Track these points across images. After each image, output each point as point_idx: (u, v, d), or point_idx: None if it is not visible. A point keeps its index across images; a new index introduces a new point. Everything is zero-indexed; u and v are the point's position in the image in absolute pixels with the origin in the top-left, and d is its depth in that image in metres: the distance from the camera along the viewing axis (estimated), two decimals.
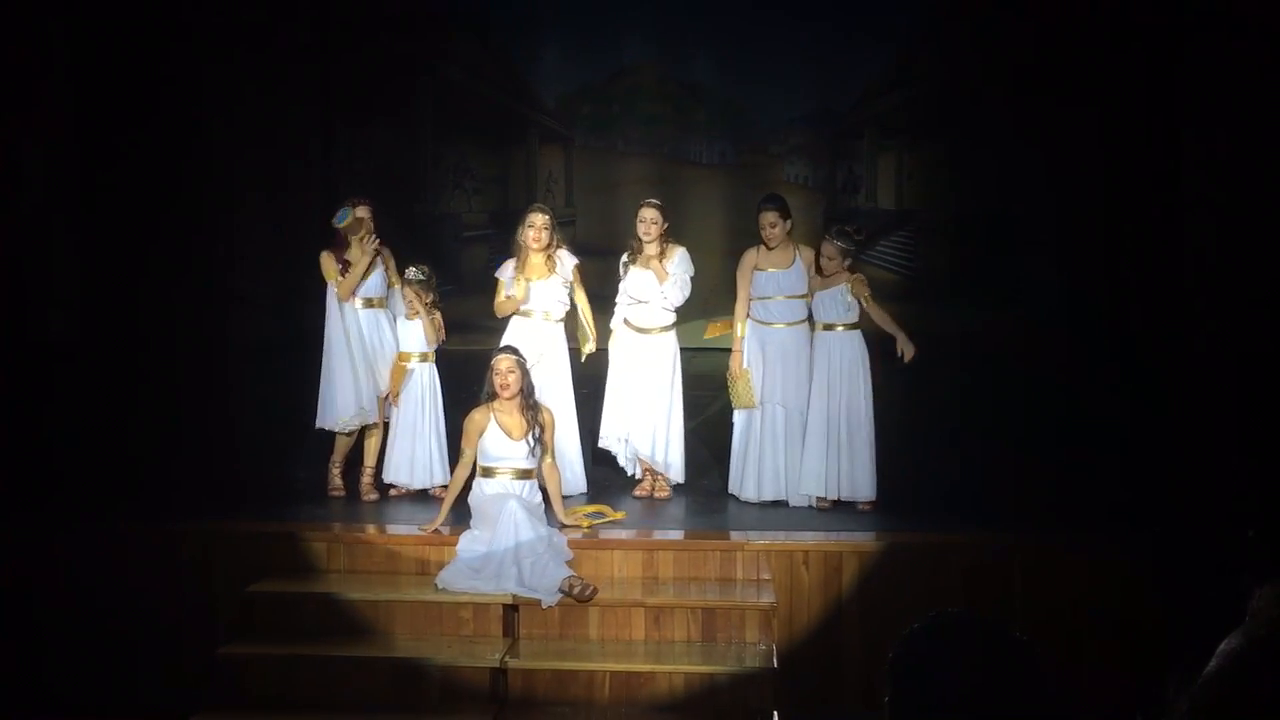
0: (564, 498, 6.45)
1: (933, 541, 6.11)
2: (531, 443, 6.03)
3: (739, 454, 6.83)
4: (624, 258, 6.93)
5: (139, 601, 6.08)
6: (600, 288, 7.18)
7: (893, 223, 9.01)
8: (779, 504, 6.71)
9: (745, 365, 6.76)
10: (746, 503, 6.73)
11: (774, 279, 6.72)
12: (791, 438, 6.71)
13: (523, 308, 6.86)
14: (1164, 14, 7.67)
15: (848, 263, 6.66)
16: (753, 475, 6.74)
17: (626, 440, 6.95)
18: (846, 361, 6.62)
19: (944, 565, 5.96)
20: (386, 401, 6.94)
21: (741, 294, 6.79)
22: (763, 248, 6.77)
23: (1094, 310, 8.03)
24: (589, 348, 6.96)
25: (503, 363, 6.08)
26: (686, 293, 6.82)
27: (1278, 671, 1.66)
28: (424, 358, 6.94)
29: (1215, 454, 6.83)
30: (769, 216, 6.69)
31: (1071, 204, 8.14)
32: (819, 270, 6.70)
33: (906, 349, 6.57)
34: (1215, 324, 7.29)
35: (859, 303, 6.61)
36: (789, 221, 6.75)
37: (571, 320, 6.96)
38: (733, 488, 6.86)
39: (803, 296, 6.74)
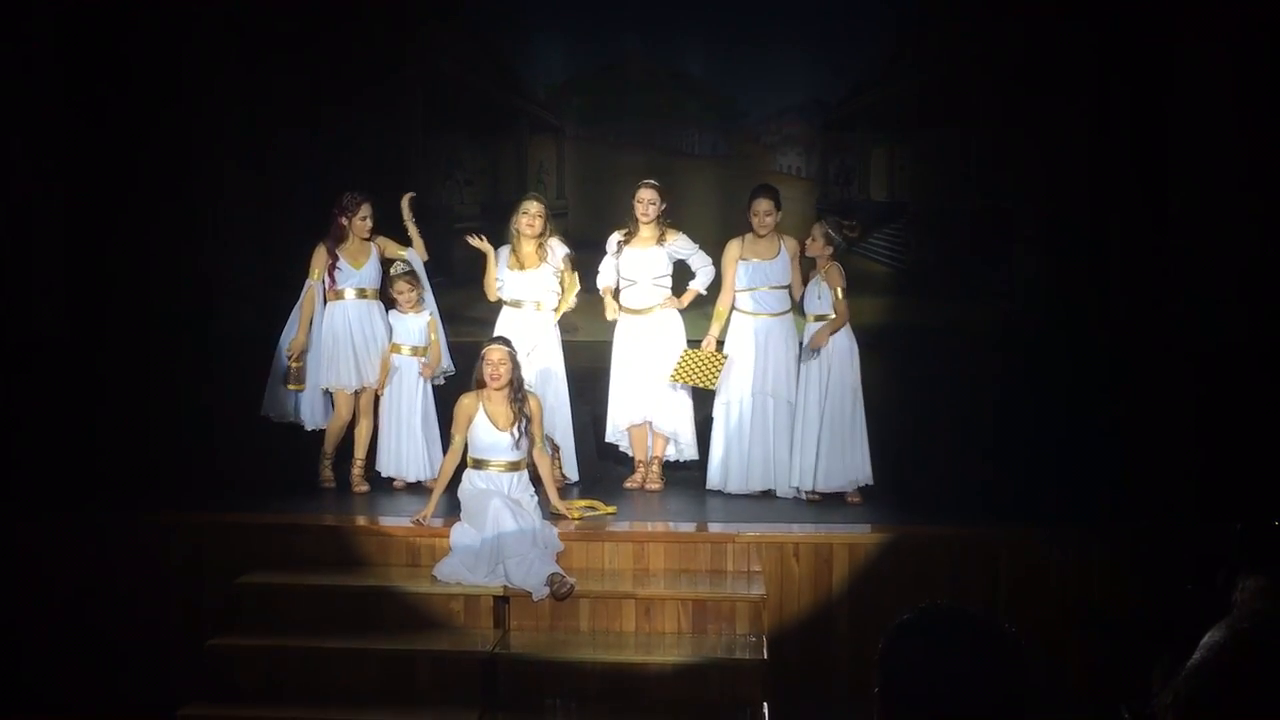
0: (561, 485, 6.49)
1: (922, 534, 6.13)
2: (517, 434, 6.02)
3: (724, 446, 6.81)
4: (618, 235, 6.95)
5: (126, 594, 6.08)
6: (592, 281, 7.17)
7: (884, 215, 9.00)
8: (765, 494, 6.72)
9: (727, 354, 6.77)
10: (731, 494, 6.73)
11: (760, 269, 6.73)
12: (779, 428, 6.72)
13: (513, 297, 6.88)
14: (1153, 8, 7.68)
15: (829, 250, 6.65)
16: (740, 466, 6.75)
17: (629, 430, 6.94)
18: (835, 354, 6.62)
19: (932, 557, 5.98)
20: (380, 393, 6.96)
21: (726, 284, 6.82)
22: (747, 238, 6.80)
23: (1082, 303, 8.04)
24: (567, 304, 6.92)
25: (494, 353, 6.07)
26: (711, 269, 6.88)
27: (1261, 663, 1.66)
28: (415, 351, 6.94)
29: (1202, 447, 6.85)
30: (764, 204, 6.72)
31: (1061, 197, 8.15)
32: (803, 255, 6.72)
33: (816, 337, 6.55)
34: (1203, 318, 7.30)
35: (832, 291, 6.60)
36: (780, 213, 6.77)
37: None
38: (714, 481, 6.83)
39: (787, 287, 6.76)
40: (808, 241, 6.70)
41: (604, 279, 7.01)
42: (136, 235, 7.96)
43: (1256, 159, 7.05)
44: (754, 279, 6.75)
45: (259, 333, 7.52)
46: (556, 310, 6.93)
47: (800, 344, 6.76)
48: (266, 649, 5.64)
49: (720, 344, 6.84)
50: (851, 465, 6.63)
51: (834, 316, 6.61)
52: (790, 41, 8.61)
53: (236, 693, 5.53)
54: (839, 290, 6.61)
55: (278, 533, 6.18)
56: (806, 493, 6.67)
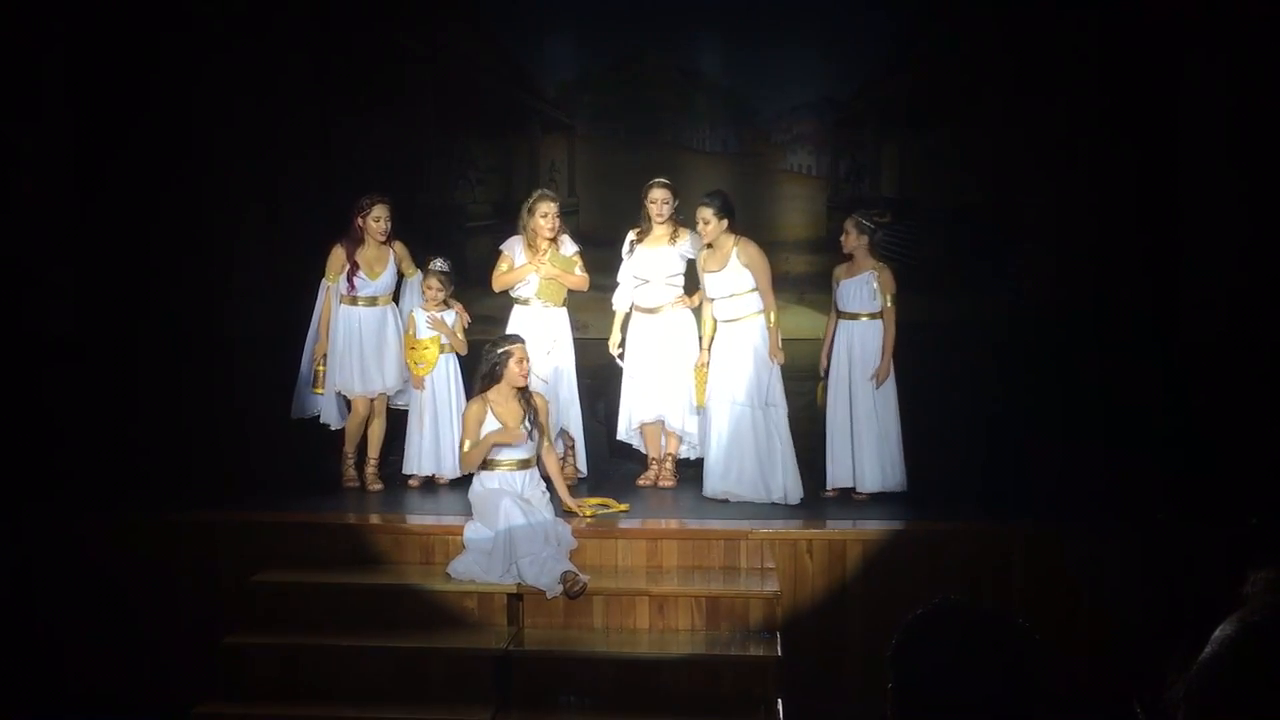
0: (570, 487, 6.50)
1: (934, 530, 6.13)
2: (529, 425, 6.04)
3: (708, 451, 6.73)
4: (630, 236, 6.93)
5: (143, 592, 6.11)
6: (602, 277, 7.17)
7: (895, 211, 9.00)
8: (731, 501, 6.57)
9: (706, 363, 6.72)
10: (712, 499, 6.61)
11: (712, 280, 6.66)
12: (741, 436, 6.57)
13: (524, 295, 6.89)
14: (1160, 3, 7.67)
15: (864, 240, 6.61)
16: (714, 472, 6.67)
17: (639, 428, 6.94)
18: (870, 351, 6.59)
19: (945, 553, 5.98)
20: (403, 391, 6.97)
21: (703, 294, 6.78)
22: (709, 248, 6.70)
23: (1093, 299, 8.03)
24: (543, 267, 6.81)
25: (519, 350, 6.10)
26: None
27: (1273, 656, 1.66)
28: (444, 348, 6.94)
29: (1214, 441, 6.83)
30: (703, 213, 6.57)
31: (1071, 193, 8.14)
32: (843, 254, 6.68)
33: (880, 373, 6.55)
34: (1211, 311, 7.29)
35: (883, 295, 6.57)
36: (725, 221, 6.56)
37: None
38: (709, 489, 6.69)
39: (749, 292, 6.60)
40: (842, 238, 6.67)
41: (620, 301, 6.97)
42: (150, 235, 7.99)
43: (1267, 152, 7.03)
44: (710, 290, 6.69)
45: (272, 333, 7.55)
46: (538, 266, 6.79)
47: (832, 341, 6.70)
48: (281, 647, 5.67)
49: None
50: (886, 466, 6.61)
51: (884, 322, 6.56)
52: (801, 39, 8.62)
53: (252, 690, 5.56)
54: (889, 296, 6.58)
55: (292, 531, 6.21)
56: (826, 489, 6.66)
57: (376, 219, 6.79)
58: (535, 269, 6.80)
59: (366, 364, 6.84)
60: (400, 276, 6.98)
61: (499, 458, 6.06)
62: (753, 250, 6.64)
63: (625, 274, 6.94)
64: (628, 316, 6.99)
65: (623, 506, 6.42)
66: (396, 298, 7.02)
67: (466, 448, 6.11)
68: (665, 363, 6.86)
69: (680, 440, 6.96)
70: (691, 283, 7.00)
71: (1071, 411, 7.48)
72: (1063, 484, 6.76)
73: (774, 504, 6.53)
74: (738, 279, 6.61)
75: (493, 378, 6.09)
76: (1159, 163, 7.66)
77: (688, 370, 6.83)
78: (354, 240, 6.82)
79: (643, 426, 6.97)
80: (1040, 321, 8.14)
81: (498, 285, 6.96)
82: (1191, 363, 7.29)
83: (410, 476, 6.95)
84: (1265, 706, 1.63)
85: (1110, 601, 5.82)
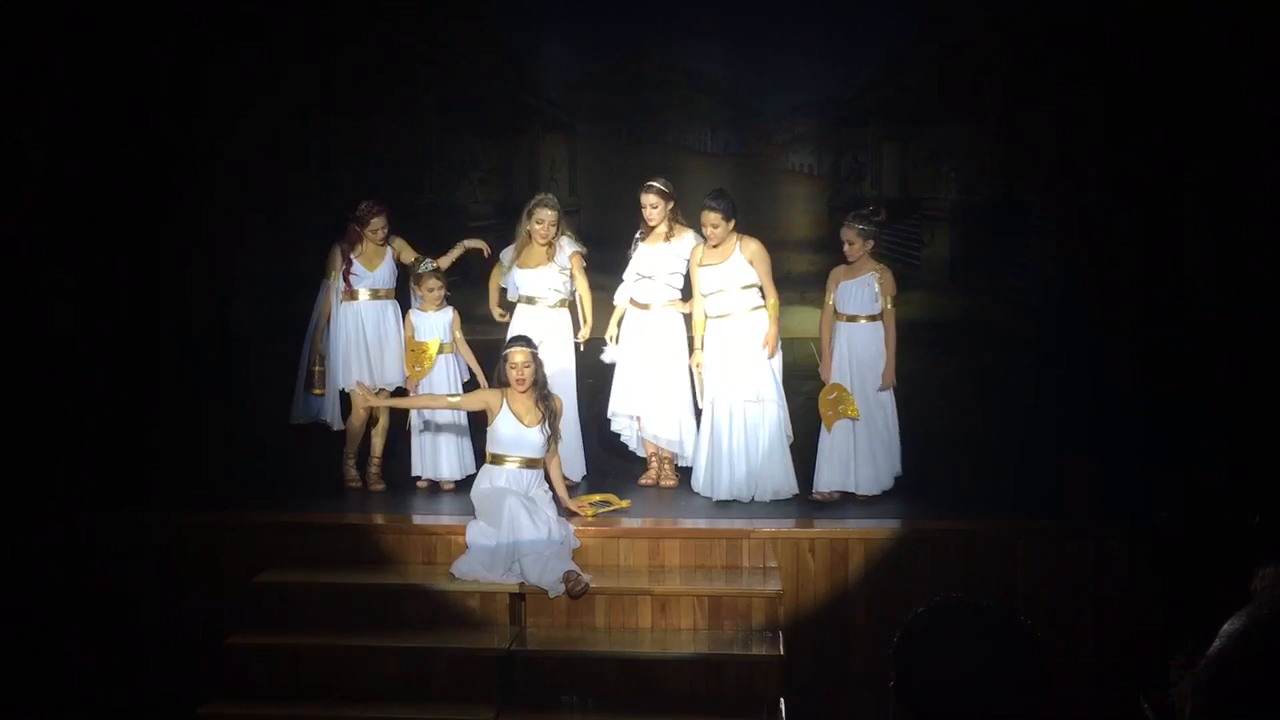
0: (567, 486, 6.49)
1: (937, 528, 6.13)
2: (549, 430, 6.06)
3: (703, 452, 6.67)
4: (637, 234, 6.94)
5: (147, 591, 6.11)
6: (602, 278, 7.17)
7: (897, 210, 9.01)
8: (735, 502, 6.53)
9: (703, 362, 6.69)
10: (708, 499, 6.56)
11: (709, 274, 6.61)
12: (734, 434, 6.53)
13: (523, 294, 6.90)
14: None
15: (870, 245, 6.57)
16: (717, 473, 6.57)
17: (636, 419, 6.92)
18: (869, 354, 6.55)
19: (948, 551, 5.98)
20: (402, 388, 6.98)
21: (695, 291, 6.75)
22: (714, 247, 6.67)
23: (1098, 297, 8.03)
24: (583, 334, 6.96)
25: (517, 355, 6.09)
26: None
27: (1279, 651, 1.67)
28: (444, 348, 6.93)
29: (1218, 439, 6.83)
30: (711, 217, 6.51)
31: (1075, 190, 8.14)
32: (844, 257, 6.64)
33: (885, 378, 6.53)
34: (1216, 310, 7.28)
35: (883, 298, 6.54)
36: (732, 222, 6.57)
37: (574, 308, 6.98)
38: (697, 485, 6.66)
39: (751, 287, 6.59)
40: (845, 247, 6.58)
41: (620, 298, 6.97)
42: (154, 235, 8.01)
43: (1273, 149, 7.03)
44: (708, 284, 6.64)
45: (276, 333, 7.55)
46: (580, 335, 6.92)
47: (834, 341, 6.66)
48: (285, 647, 5.68)
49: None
50: (880, 468, 6.58)
51: (883, 326, 6.52)
52: (802, 39, 8.63)
53: (256, 690, 5.56)
54: (890, 299, 6.55)
55: (296, 531, 6.21)
56: (824, 492, 6.65)
57: (374, 230, 6.82)
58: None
59: (372, 358, 6.86)
60: (401, 271, 6.98)
61: (508, 453, 6.06)
62: (754, 245, 6.64)
63: (629, 272, 6.95)
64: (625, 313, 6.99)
65: (624, 503, 6.42)
66: (400, 296, 7.03)
67: (451, 401, 6.35)
68: (650, 362, 6.84)
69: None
70: (689, 283, 6.98)
71: (1074, 410, 7.48)
72: (1065, 483, 6.76)
73: (772, 502, 6.53)
74: (737, 274, 6.60)
75: (503, 381, 6.12)
76: (1164, 161, 7.65)
77: (671, 373, 6.80)
78: (350, 240, 6.85)
79: (633, 419, 6.94)
80: (1042, 320, 8.15)
81: (491, 301, 7.03)
82: (1194, 362, 7.28)
83: (418, 478, 6.94)
84: (1273, 700, 1.64)
85: (1114, 599, 5.82)
